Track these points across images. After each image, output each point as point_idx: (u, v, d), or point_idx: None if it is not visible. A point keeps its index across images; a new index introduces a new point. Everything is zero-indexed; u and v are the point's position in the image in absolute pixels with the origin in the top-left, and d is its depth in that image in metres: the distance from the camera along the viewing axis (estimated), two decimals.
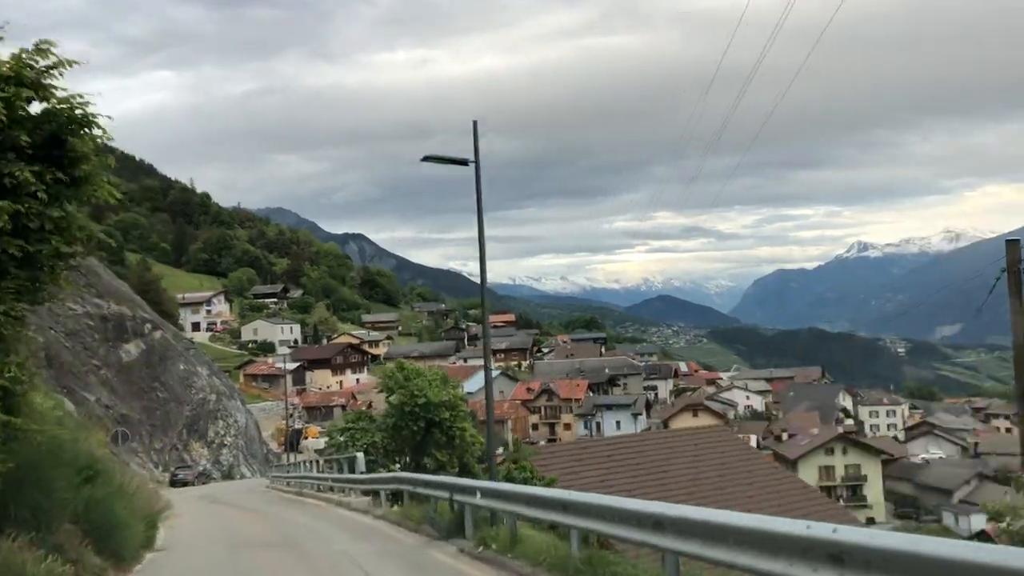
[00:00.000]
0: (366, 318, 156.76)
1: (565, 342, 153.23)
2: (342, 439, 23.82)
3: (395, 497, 16.92)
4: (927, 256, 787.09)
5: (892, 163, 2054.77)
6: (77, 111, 8.18)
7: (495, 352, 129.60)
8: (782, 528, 4.32)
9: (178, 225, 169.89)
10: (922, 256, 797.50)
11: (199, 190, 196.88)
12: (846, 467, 73.17)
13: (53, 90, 7.91)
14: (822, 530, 3.97)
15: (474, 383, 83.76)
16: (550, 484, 21.17)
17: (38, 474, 7.99)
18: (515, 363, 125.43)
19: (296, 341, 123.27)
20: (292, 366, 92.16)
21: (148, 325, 52.70)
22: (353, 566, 10.31)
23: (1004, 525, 17.04)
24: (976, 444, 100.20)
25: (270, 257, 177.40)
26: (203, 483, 43.13)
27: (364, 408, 40.63)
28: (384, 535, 13.44)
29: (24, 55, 7.62)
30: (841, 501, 62.41)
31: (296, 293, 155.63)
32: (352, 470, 20.19)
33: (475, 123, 11.59)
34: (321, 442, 54.07)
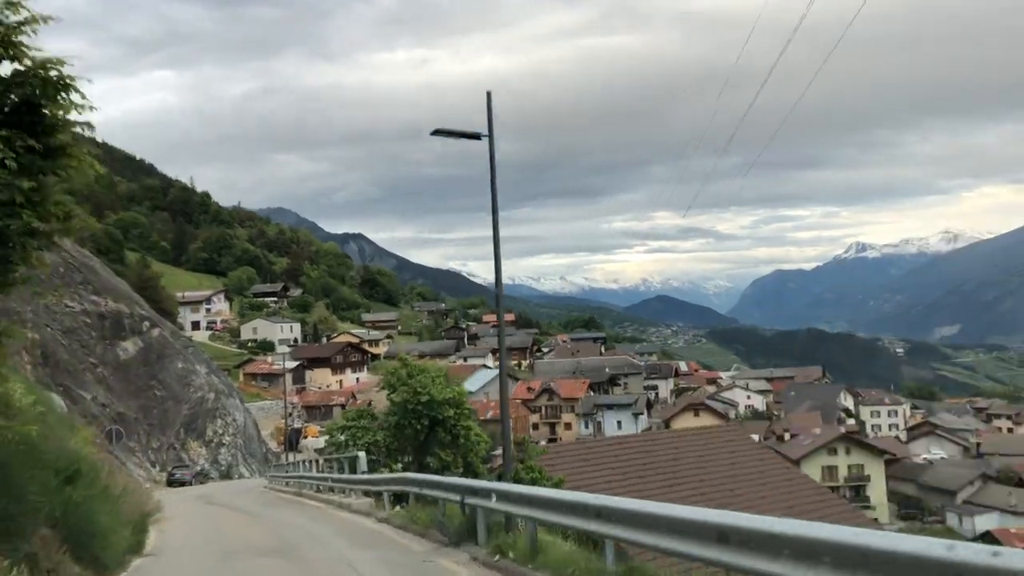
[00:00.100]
0: (366, 317, 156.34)
1: (565, 341, 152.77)
2: (342, 438, 23.02)
3: (398, 498, 16.16)
4: (925, 256, 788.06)
5: (891, 163, 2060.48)
6: (52, 72, 7.40)
7: (494, 352, 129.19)
8: (910, 548, 3.51)
9: (178, 224, 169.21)
10: (920, 256, 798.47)
11: (199, 189, 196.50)
12: (849, 467, 72.54)
13: (25, 49, 7.13)
14: (967, 552, 3.18)
15: (474, 382, 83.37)
16: (557, 485, 20.46)
17: (7, 475, 7.24)
18: (515, 362, 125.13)
19: (296, 340, 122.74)
20: (291, 365, 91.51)
21: (146, 323, 51.95)
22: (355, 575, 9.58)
23: None
24: (978, 444, 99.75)
25: (270, 256, 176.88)
26: (201, 483, 42.50)
27: (365, 406, 39.86)
28: (388, 540, 12.58)
29: None
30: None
31: (296, 292, 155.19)
32: (353, 470, 19.42)
33: (489, 94, 10.91)
34: (321, 441, 53.38)
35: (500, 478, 25.67)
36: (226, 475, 49.23)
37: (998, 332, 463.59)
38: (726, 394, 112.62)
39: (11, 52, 7.04)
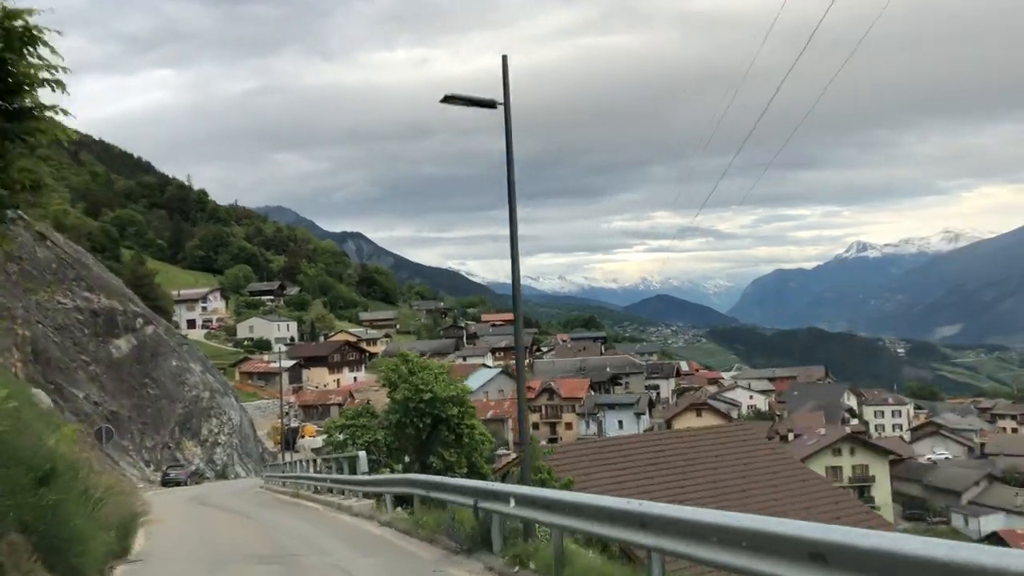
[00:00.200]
0: (364, 316, 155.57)
1: (565, 340, 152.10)
2: (341, 437, 22.10)
3: (400, 500, 15.24)
4: (926, 256, 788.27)
5: (890, 163, 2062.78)
6: (17, 23, 6.51)
7: (494, 351, 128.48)
8: None
9: (175, 222, 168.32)
10: (921, 256, 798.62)
11: (197, 187, 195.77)
12: (854, 468, 71.73)
13: None
14: None
15: (473, 382, 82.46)
16: (567, 486, 19.59)
17: None
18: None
19: (292, 339, 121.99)
20: (288, 364, 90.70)
21: (139, 320, 51.04)
22: None
23: None
24: (983, 445, 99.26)
25: (267, 254, 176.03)
26: (196, 483, 41.74)
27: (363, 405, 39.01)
28: (393, 547, 11.57)
29: None
30: None
31: (293, 290, 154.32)
32: (353, 470, 18.50)
33: (504, 58, 10.00)
34: (318, 441, 52.52)
35: (504, 478, 24.84)
36: (222, 475, 48.46)
37: (998, 332, 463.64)
38: (728, 394, 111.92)
39: None
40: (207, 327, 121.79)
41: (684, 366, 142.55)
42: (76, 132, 7.28)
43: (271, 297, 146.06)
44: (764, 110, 13.45)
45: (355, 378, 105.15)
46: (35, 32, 6.58)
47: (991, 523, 69.94)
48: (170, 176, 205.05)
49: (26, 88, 6.73)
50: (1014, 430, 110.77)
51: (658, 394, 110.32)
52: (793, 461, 30.79)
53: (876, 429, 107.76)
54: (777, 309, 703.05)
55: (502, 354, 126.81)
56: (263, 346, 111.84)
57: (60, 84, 6.65)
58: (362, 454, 18.03)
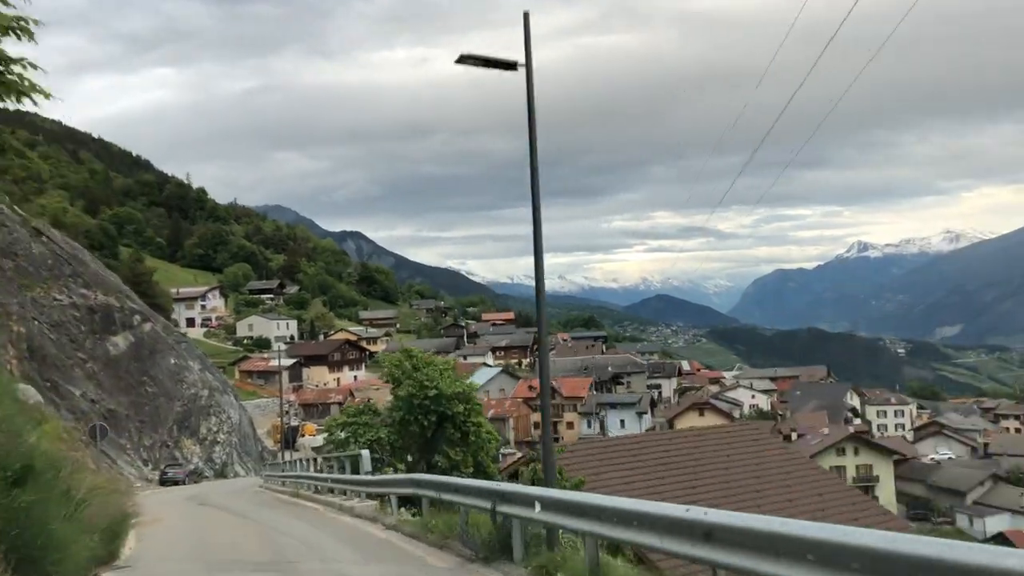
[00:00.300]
0: (364, 315, 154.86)
1: (565, 340, 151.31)
2: (343, 435, 21.33)
3: (404, 501, 14.45)
4: (927, 256, 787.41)
5: (890, 163, 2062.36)
6: None
7: (494, 350, 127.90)
8: None
9: (174, 220, 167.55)
10: (921, 256, 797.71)
11: (197, 186, 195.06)
12: (857, 468, 71.05)
13: None
14: None
15: (475, 380, 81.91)
16: (578, 486, 18.84)
17: None
18: (515, 361, 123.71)
19: (292, 337, 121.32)
20: (288, 362, 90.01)
21: (137, 317, 50.26)
22: None
23: None
24: (986, 445, 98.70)
25: (266, 253, 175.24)
26: (195, 482, 41.16)
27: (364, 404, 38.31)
28: (401, 553, 10.71)
29: None
30: None
31: (292, 289, 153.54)
32: (356, 470, 17.73)
33: (526, 14, 9.28)
34: (319, 439, 51.78)
35: (511, 478, 24.10)
36: (221, 474, 47.81)
37: (999, 332, 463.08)
38: (730, 394, 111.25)
39: None
40: (206, 325, 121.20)
41: (686, 366, 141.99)
42: (51, 94, 6.51)
43: (271, 296, 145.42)
44: (783, 110, 13.15)
45: (355, 377, 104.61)
46: None
47: (996, 523, 69.28)
48: (169, 174, 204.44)
49: None
50: (1017, 430, 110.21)
51: (660, 393, 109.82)
52: (805, 460, 30.07)
53: (879, 429, 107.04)
54: (777, 309, 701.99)
55: (502, 353, 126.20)
56: (262, 344, 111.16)
57: (27, 32, 5.87)
58: (365, 453, 17.26)
